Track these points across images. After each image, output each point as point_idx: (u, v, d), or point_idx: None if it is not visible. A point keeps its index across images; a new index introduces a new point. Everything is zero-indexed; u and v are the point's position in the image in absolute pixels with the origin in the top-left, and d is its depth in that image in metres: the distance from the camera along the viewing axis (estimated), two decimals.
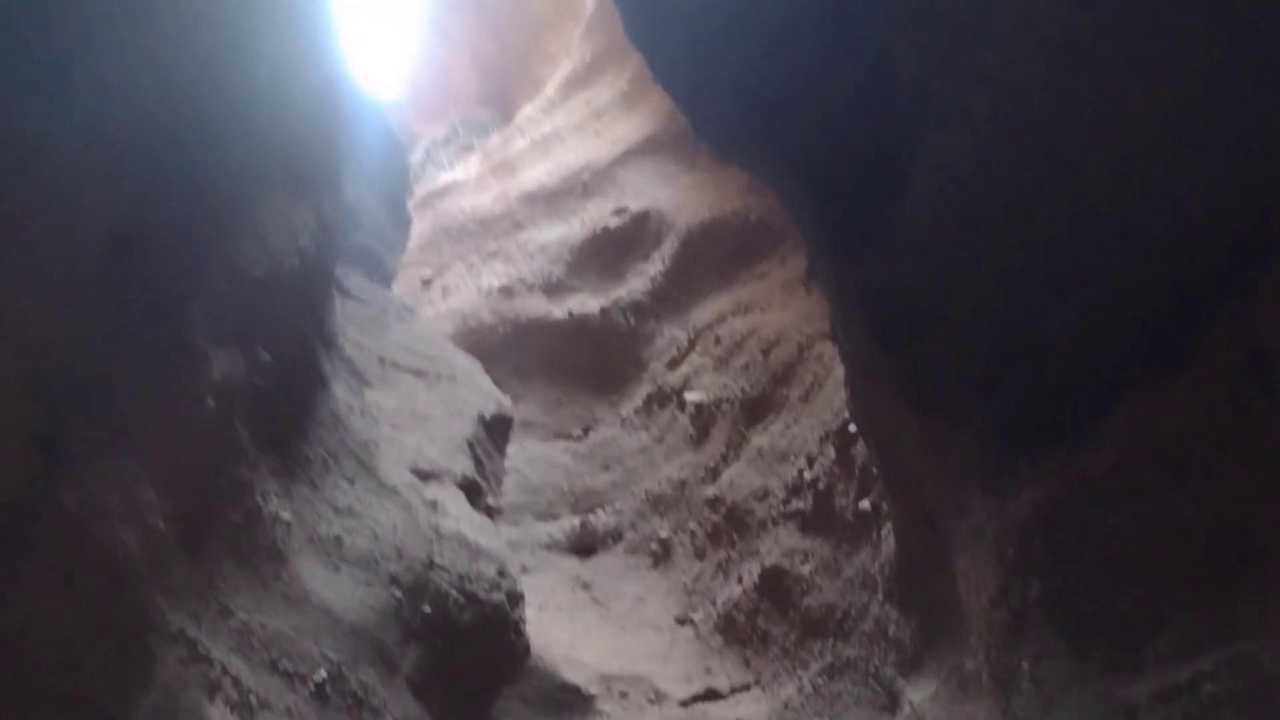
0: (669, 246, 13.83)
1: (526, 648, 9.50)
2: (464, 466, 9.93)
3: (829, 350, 9.99)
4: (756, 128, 4.92)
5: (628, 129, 15.19)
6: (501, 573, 8.92)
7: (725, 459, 11.84)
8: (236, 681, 5.62)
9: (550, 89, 17.11)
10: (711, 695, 10.47)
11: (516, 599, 9.26)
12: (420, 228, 17.45)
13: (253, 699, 5.78)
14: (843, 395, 9.05)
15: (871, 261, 4.42)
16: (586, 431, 14.82)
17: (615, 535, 13.83)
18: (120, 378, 4.66)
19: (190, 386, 5.15)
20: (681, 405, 13.07)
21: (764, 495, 10.76)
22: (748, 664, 10.29)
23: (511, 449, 15.58)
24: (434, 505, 8.83)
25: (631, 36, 5.61)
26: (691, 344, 13.27)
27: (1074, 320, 3.64)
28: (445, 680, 8.15)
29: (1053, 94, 3.48)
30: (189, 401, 5.16)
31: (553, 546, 14.34)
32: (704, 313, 13.13)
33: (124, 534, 4.56)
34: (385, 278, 12.15)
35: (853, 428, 8.04)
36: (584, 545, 14.23)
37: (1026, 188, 3.71)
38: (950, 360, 4.20)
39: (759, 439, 11.13)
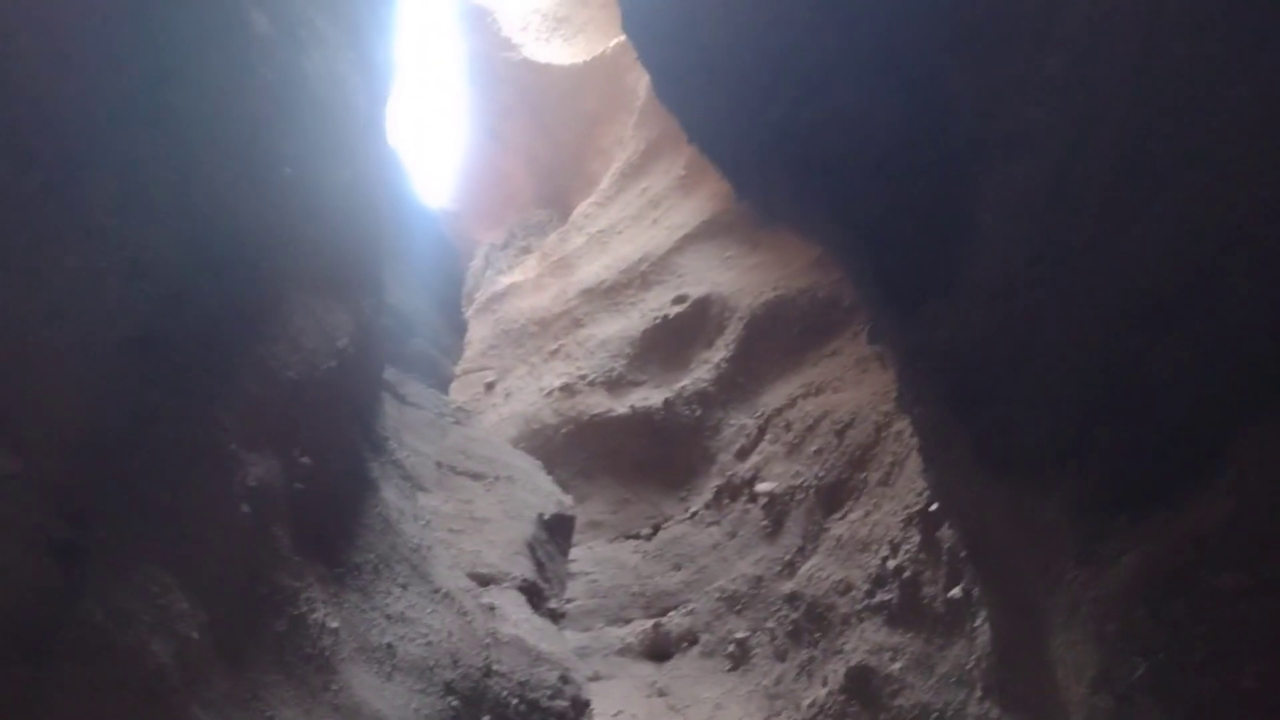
0: (732, 331, 13.51)
1: None
2: (524, 569, 9.54)
3: (909, 428, 9.42)
4: (803, 181, 4.60)
5: (685, 215, 15.12)
6: (565, 679, 8.41)
7: (802, 551, 11.20)
8: None
9: (605, 182, 17.25)
10: None
11: (582, 706, 8.70)
12: (481, 332, 17.54)
13: None
14: (921, 483, 8.49)
15: (938, 313, 4.00)
16: (656, 530, 14.30)
17: (690, 638, 13.15)
18: (147, 484, 4.46)
19: (222, 492, 4.92)
20: (753, 497, 12.52)
21: (846, 589, 10.08)
22: None
23: (579, 551, 15.14)
24: (491, 610, 8.43)
25: (663, 97, 5.39)
26: (761, 431, 12.78)
27: (1176, 354, 3.14)
28: None
29: (1132, 100, 3.07)
30: (222, 507, 4.92)
31: (625, 652, 13.70)
32: (773, 397, 12.68)
33: (154, 644, 4.27)
34: (442, 382, 12.07)
35: (936, 507, 7.45)
36: (658, 649, 13.57)
37: (1109, 211, 3.27)
38: (1034, 416, 3.71)
39: (837, 528, 10.50)
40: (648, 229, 15.84)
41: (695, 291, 14.34)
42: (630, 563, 14.15)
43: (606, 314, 15.68)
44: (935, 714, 8.02)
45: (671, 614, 13.51)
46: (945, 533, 7.47)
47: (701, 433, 13.84)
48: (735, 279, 13.91)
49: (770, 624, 11.68)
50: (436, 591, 7.74)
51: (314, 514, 6.18)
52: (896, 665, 8.82)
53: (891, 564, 8.83)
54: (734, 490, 13.04)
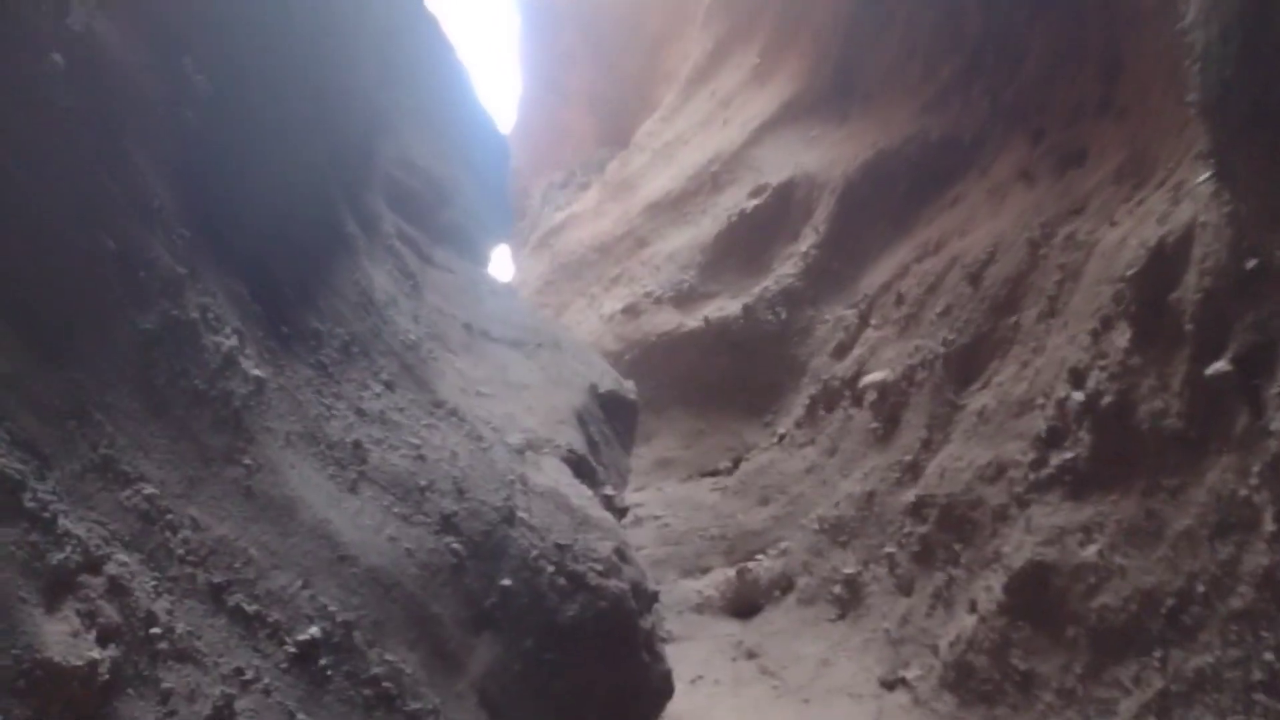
0: (823, 210, 11.19)
1: (667, 681, 6.44)
2: (570, 439, 7.28)
3: (1084, 225, 6.95)
4: None
5: (761, 105, 12.97)
6: (622, 554, 6.06)
7: (928, 445, 8.70)
8: (121, 590, 3.04)
9: (671, 95, 15.26)
10: None
11: (648, 600, 6.32)
12: (538, 270, 15.60)
13: (158, 633, 3.15)
14: (1126, 257, 5.99)
15: None
16: (737, 463, 11.89)
17: (784, 584, 10.65)
18: None
19: None
20: (857, 398, 10.07)
21: (997, 473, 7.56)
22: None
23: (647, 494, 12.78)
24: (520, 454, 6.17)
25: None
26: (864, 318, 10.36)
27: None
28: (539, 705, 5.26)
29: None
30: None
31: (704, 607, 11.24)
32: (877, 274, 10.29)
33: None
34: (479, 259, 10.10)
35: (1184, 225, 4.94)
36: (744, 602, 11.08)
37: None
38: None
39: (979, 399, 8.01)
40: (718, 130, 13.73)
41: (776, 179, 12.10)
42: (707, 502, 11.75)
43: (674, 228, 13.51)
44: (1171, 599, 5.48)
45: (759, 558, 11.04)
46: (1189, 286, 4.94)
47: (788, 339, 11.47)
48: (823, 155, 11.64)
49: (889, 549, 9.15)
50: (440, 406, 5.53)
51: (224, 198, 4.05)
52: (1092, 549, 6.28)
53: (1075, 401, 6.31)
54: (831, 397, 10.59)
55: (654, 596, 6.38)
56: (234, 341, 3.89)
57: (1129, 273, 5.52)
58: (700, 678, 10.26)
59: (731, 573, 11.07)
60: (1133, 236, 5.77)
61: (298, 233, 4.79)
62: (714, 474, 12.02)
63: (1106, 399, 5.88)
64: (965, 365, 8.24)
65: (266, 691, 3.54)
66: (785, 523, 10.85)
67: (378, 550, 4.33)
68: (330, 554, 4.08)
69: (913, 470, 8.89)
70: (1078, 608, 6.42)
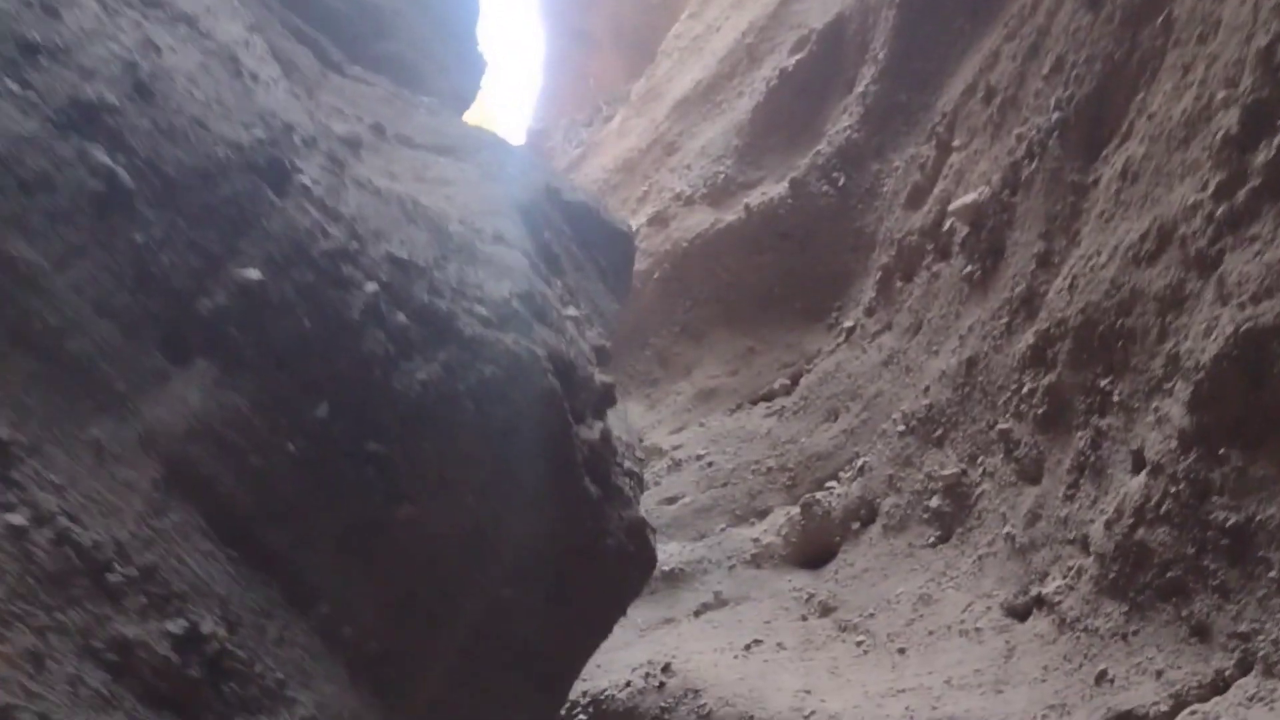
0: (881, 32, 8.72)
1: (638, 537, 3.95)
2: (504, 229, 4.95)
3: None
4: None
5: None
6: (535, 309, 3.70)
7: (1047, 260, 6.05)
8: None
9: None
10: None
11: (592, 395, 3.96)
12: None
13: None
14: None
15: None
16: (796, 380, 9.30)
17: (863, 512, 7.95)
18: None
19: None
20: (943, 245, 7.46)
21: (1161, 241, 4.91)
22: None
23: (687, 434, 10.18)
24: (352, 146, 3.92)
25: None
26: (943, 144, 7.79)
27: None
28: (361, 564, 2.89)
29: None
30: None
31: (763, 558, 8.57)
32: (957, 82, 7.74)
33: None
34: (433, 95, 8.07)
35: None
36: (814, 544, 8.39)
37: None
38: None
39: (1119, 158, 5.38)
40: (749, 4, 11.47)
41: (820, 21, 9.74)
42: (761, 430, 9.16)
43: (706, 121, 11.23)
44: None
45: (830, 485, 8.38)
46: None
47: (849, 211, 8.96)
48: None
49: (1003, 425, 6.46)
50: (157, 6, 3.26)
51: None
52: None
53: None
54: (910, 259, 8.00)
55: (605, 394, 3.98)
56: None
57: None
58: (757, 642, 7.62)
59: (795, 510, 8.44)
60: None
61: None
62: (768, 398, 9.47)
63: None
64: (1094, 121, 5.62)
65: None
66: (860, 435, 8.20)
67: None
68: None
69: (1027, 304, 6.23)
70: None
